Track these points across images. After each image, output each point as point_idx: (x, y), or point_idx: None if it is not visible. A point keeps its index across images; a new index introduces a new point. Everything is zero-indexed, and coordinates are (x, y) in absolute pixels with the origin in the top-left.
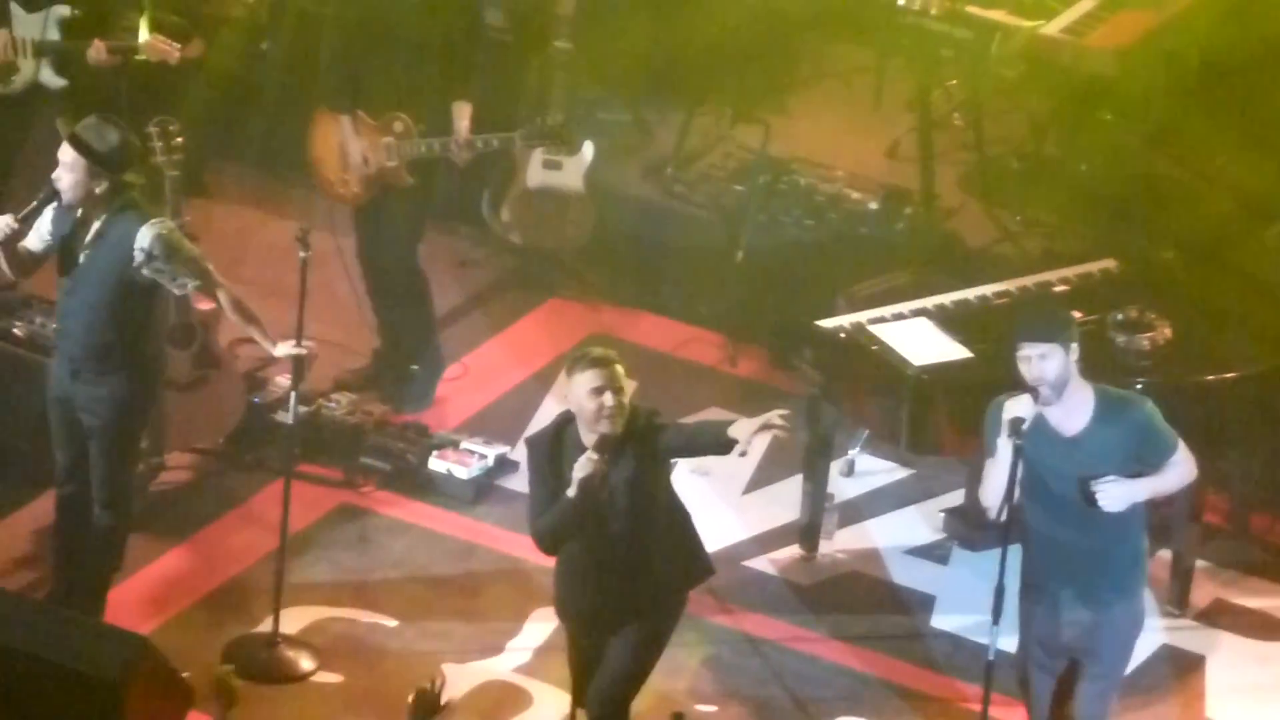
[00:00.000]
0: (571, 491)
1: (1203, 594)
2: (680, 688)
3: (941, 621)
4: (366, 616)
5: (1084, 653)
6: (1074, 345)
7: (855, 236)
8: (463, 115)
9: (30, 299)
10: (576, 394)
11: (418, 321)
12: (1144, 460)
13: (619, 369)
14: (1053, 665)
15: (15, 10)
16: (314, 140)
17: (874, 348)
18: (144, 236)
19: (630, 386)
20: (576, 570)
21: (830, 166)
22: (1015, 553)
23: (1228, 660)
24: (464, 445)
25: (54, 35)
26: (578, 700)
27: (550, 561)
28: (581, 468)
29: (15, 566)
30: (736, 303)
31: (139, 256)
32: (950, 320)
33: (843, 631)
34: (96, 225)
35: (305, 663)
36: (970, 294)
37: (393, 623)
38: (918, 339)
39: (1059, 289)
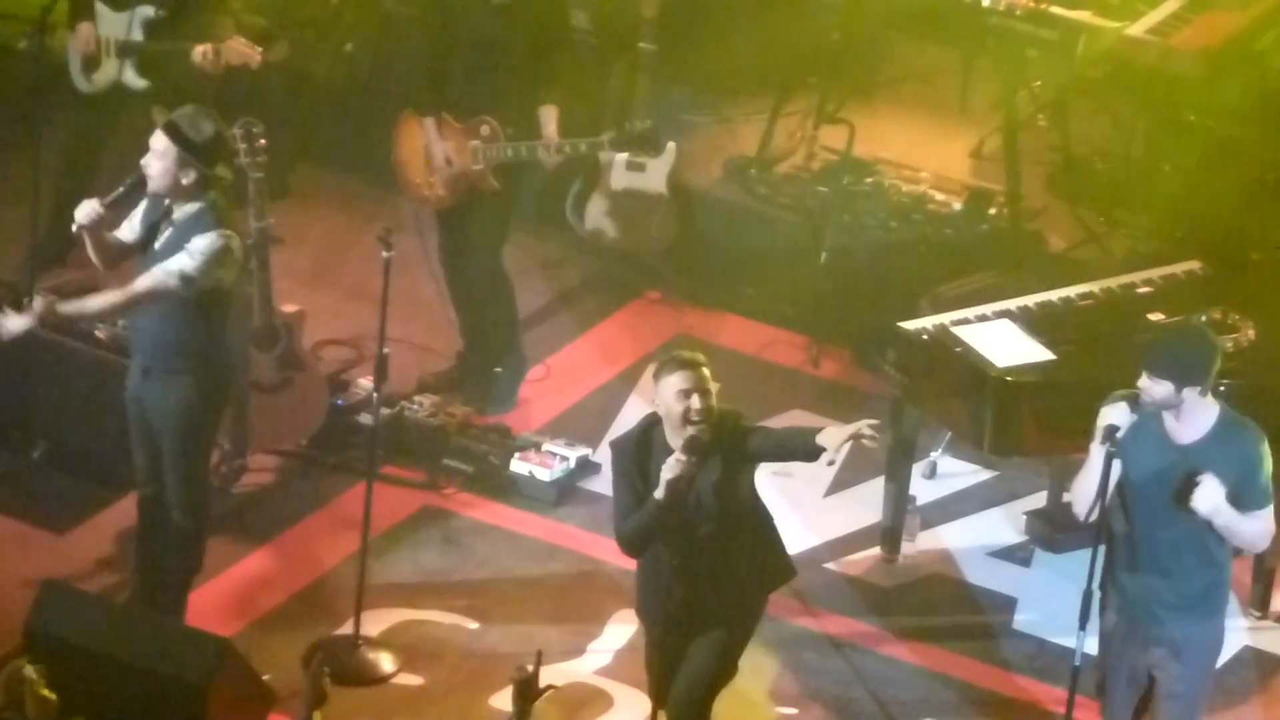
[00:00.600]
0: (659, 494)
1: None
2: (761, 689)
3: (1023, 624)
4: (448, 618)
5: (1164, 670)
6: (1194, 388)
7: (939, 238)
8: (550, 119)
9: None
10: (664, 396)
11: (501, 323)
12: (1236, 494)
13: (706, 371)
14: (1134, 676)
15: (101, 9)
16: (399, 143)
17: (957, 349)
18: (203, 238)
19: (715, 389)
20: (661, 572)
21: (914, 168)
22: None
23: None
24: (546, 447)
25: (138, 36)
26: (657, 702)
27: (631, 564)
28: (670, 469)
29: (98, 569)
30: (820, 304)
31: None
32: (1034, 322)
33: (924, 634)
34: (178, 214)
35: (387, 664)
36: (1054, 295)
37: (474, 625)
38: (1001, 340)
39: (1143, 290)
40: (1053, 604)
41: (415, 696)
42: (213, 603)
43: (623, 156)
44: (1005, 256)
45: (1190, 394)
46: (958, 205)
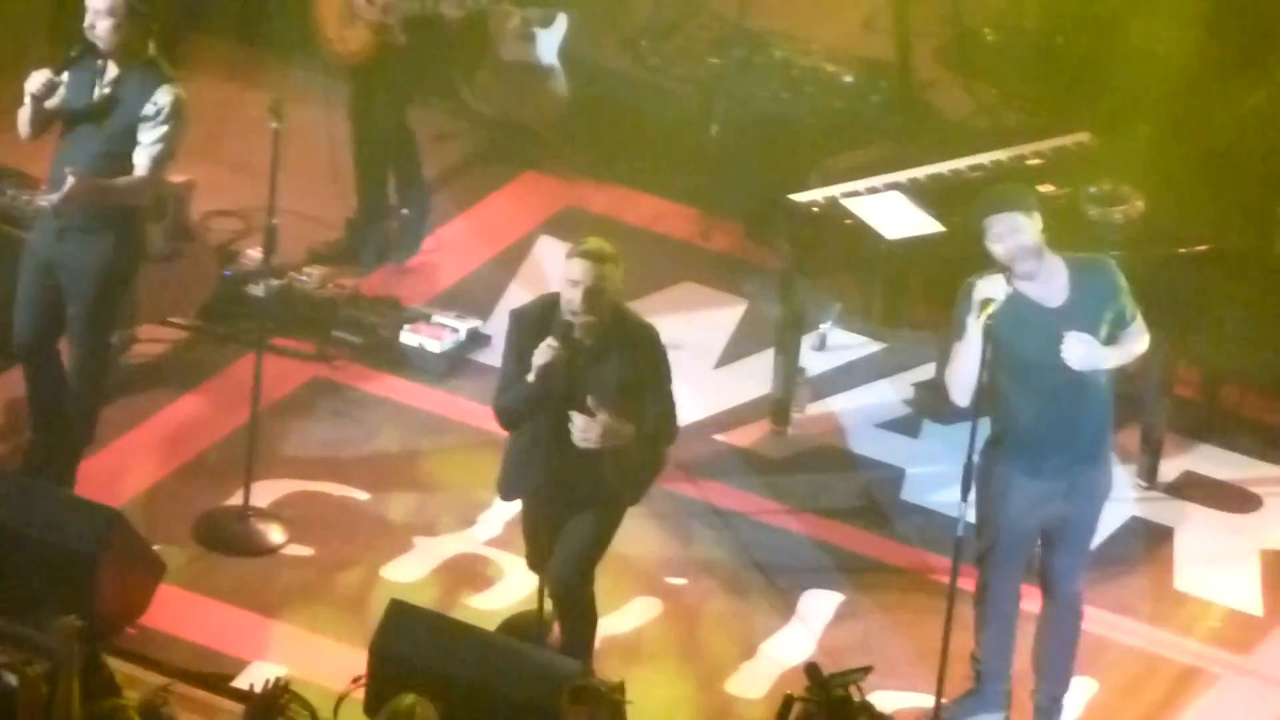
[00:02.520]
0: (530, 375)
1: (1172, 467)
2: (650, 560)
3: (911, 495)
4: (338, 490)
5: (1055, 528)
6: (1037, 214)
7: (830, 110)
8: None
9: (3, 171)
10: (562, 278)
11: (406, 170)
12: (1115, 323)
13: (608, 269)
14: (1029, 540)
15: None
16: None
17: (847, 221)
18: (165, 93)
19: (612, 288)
20: (535, 444)
21: (806, 39)
22: (986, 427)
23: (1196, 532)
24: (436, 319)
25: None
26: (533, 567)
27: None
28: (541, 354)
29: None
30: (711, 177)
31: (149, 109)
32: (924, 194)
33: (813, 505)
34: (114, 74)
35: (276, 535)
36: (944, 168)
37: (364, 496)
38: (891, 213)
39: (1033, 162)
40: (940, 475)
41: (305, 567)
42: (103, 473)
43: (513, 26)
44: (896, 129)
45: (1039, 225)
46: (849, 77)
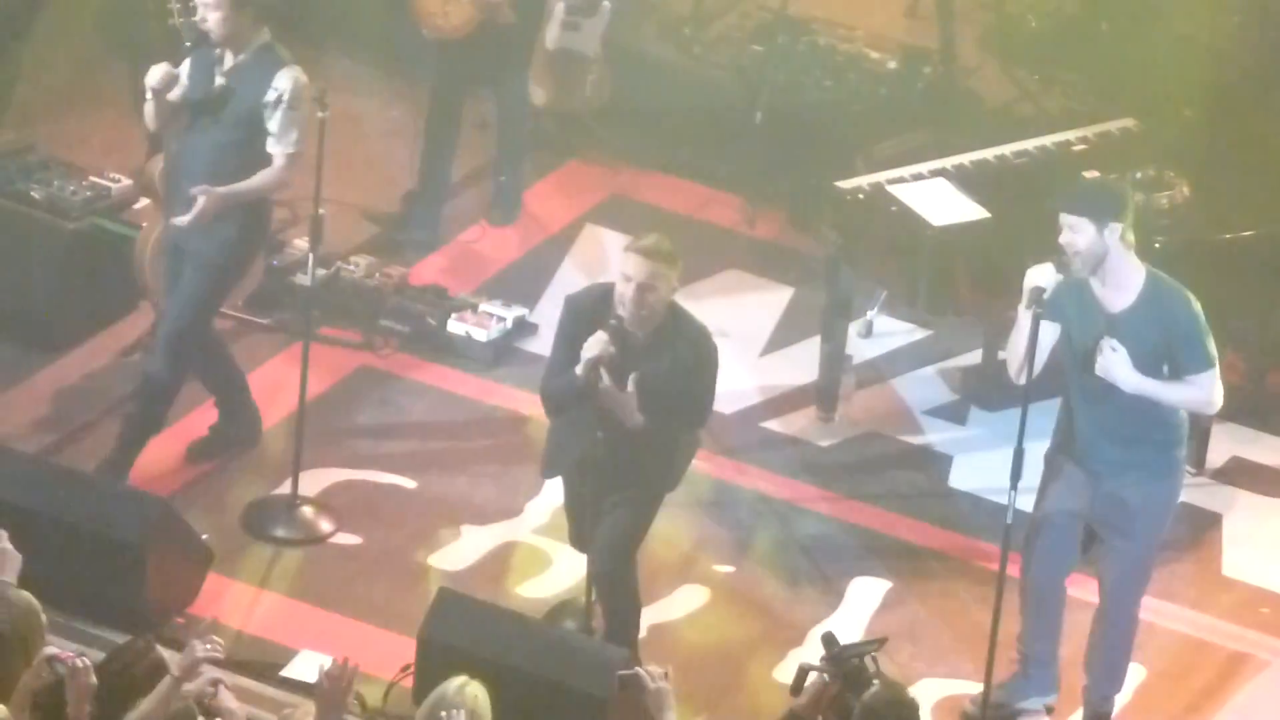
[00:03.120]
0: (578, 367)
1: (1219, 452)
2: (698, 547)
3: (959, 481)
4: (386, 478)
5: (1114, 528)
6: (1115, 225)
7: (874, 97)
8: None
9: (49, 161)
10: (618, 272)
11: (511, 136)
12: (1174, 360)
13: (663, 269)
14: (1069, 526)
15: None
16: None
17: (893, 208)
18: (284, 77)
19: (667, 289)
20: (574, 426)
21: (849, 26)
22: (1036, 414)
23: (1244, 517)
24: (483, 308)
25: None
26: (577, 545)
27: None
28: (590, 347)
29: (34, 429)
30: (755, 164)
31: (271, 94)
32: (969, 180)
33: (860, 492)
34: (233, 61)
35: (325, 524)
36: (989, 154)
37: (412, 484)
38: (936, 199)
39: (1078, 148)
40: (988, 461)
41: (354, 555)
42: (152, 462)
43: (558, 15)
44: (940, 115)
45: (1112, 236)
46: (893, 64)
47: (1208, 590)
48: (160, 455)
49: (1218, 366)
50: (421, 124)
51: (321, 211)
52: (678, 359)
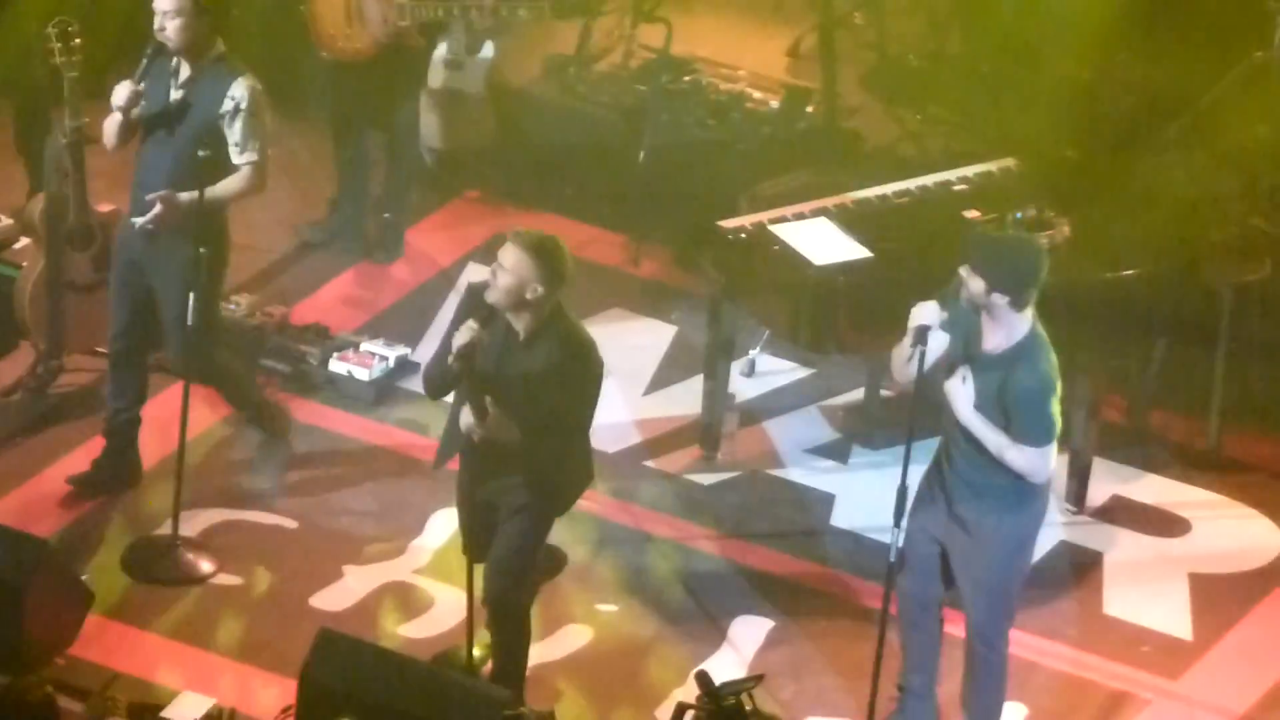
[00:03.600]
0: (451, 356)
1: (1100, 491)
2: (581, 586)
3: (842, 519)
4: (267, 518)
5: (959, 554)
6: (1004, 298)
7: (757, 136)
8: None
9: None
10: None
11: (396, 171)
12: (1009, 423)
13: (527, 258)
14: (933, 549)
15: None
16: None
17: (775, 247)
18: (239, 86)
19: (530, 278)
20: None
21: (732, 66)
22: (920, 451)
23: (1125, 556)
24: (365, 347)
25: None
26: (467, 552)
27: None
28: (460, 334)
29: None
30: (639, 203)
31: (228, 104)
32: (851, 220)
33: (743, 530)
34: (188, 72)
35: (205, 565)
36: (871, 193)
37: (293, 524)
38: (818, 238)
39: (959, 188)
40: (870, 500)
41: (235, 596)
42: (30, 503)
43: (441, 55)
44: (822, 155)
45: (998, 301)
46: (775, 103)
47: (1089, 629)
48: (40, 495)
49: (1052, 445)
50: (308, 159)
51: (203, 250)
52: (553, 362)
